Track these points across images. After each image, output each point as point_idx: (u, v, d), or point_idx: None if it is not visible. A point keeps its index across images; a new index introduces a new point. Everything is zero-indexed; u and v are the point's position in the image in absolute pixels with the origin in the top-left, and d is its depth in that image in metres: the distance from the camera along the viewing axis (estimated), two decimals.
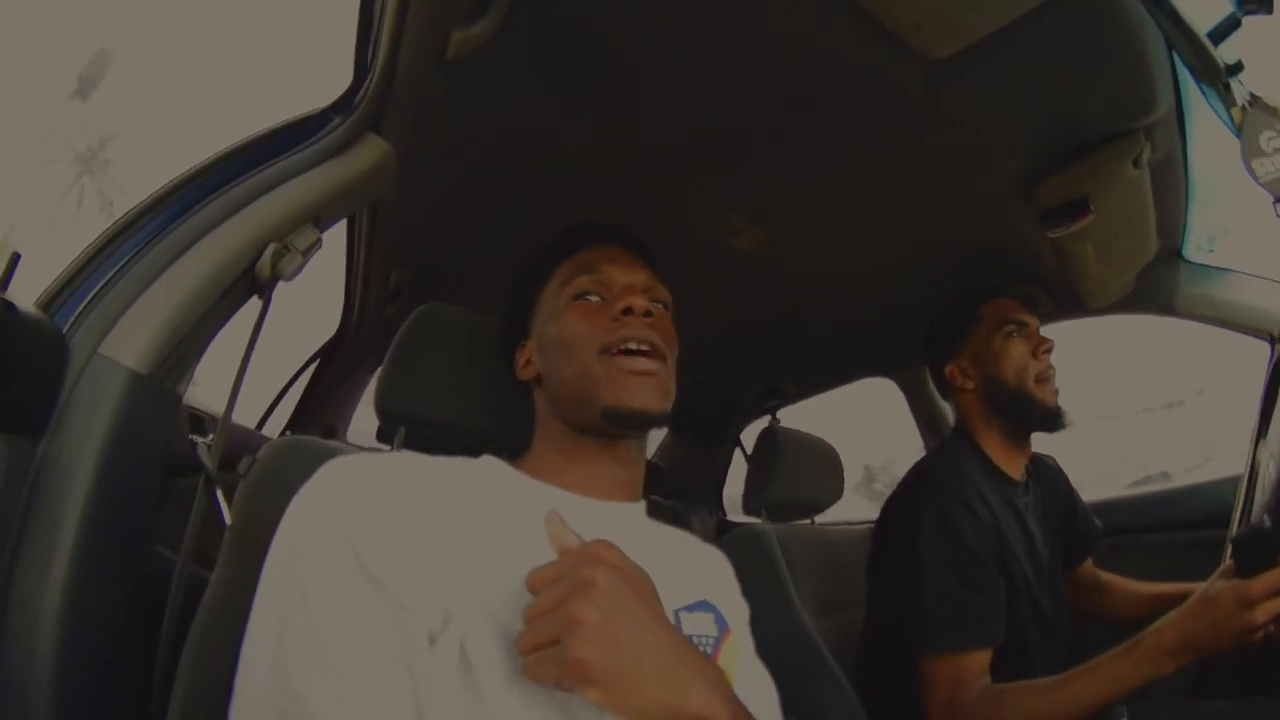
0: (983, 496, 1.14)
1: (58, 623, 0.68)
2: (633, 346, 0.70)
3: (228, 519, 0.79)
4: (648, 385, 0.69)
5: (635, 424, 0.70)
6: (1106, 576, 1.45)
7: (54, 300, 0.82)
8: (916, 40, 0.88)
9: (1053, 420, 1.21)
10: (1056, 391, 1.22)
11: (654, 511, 0.78)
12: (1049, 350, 1.23)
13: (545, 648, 0.47)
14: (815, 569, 1.32)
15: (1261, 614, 0.84)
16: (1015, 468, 1.26)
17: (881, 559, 1.25)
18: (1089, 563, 1.45)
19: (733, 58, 0.99)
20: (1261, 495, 0.93)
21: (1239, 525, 1.01)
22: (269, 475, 0.79)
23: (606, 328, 0.71)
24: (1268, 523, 0.86)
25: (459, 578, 0.54)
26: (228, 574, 0.76)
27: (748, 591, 0.82)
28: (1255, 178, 0.83)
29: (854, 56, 0.96)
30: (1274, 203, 0.85)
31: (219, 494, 0.87)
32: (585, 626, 0.46)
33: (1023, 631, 1.13)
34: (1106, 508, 1.71)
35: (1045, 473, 1.38)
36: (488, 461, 0.71)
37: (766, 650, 0.79)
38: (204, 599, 0.75)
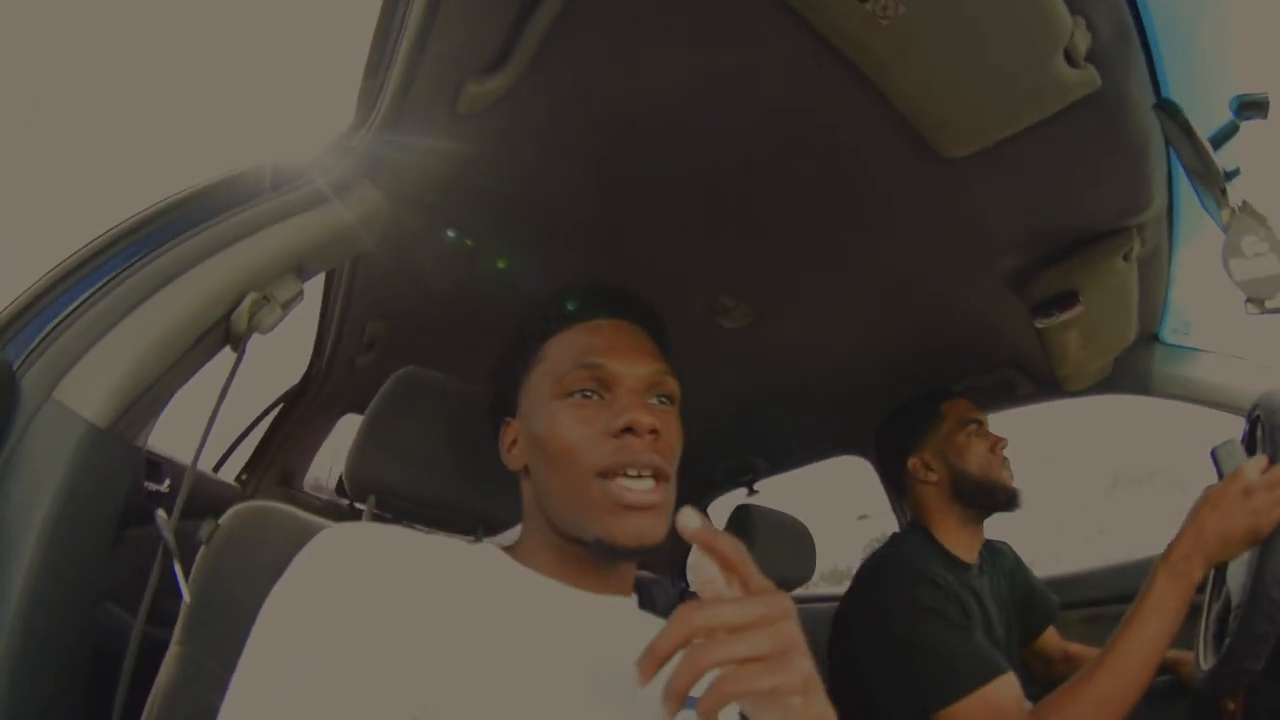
0: (942, 578, 1.17)
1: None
2: (633, 473, 0.62)
3: (185, 594, 0.73)
4: (645, 519, 0.62)
5: (629, 558, 0.65)
6: (1075, 648, 1.48)
7: (3, 333, 0.76)
8: (938, 139, 0.88)
9: (1014, 501, 1.30)
10: (1013, 475, 1.32)
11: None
12: (1004, 446, 1.34)
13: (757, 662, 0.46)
14: None
15: (1263, 495, 0.85)
16: (970, 552, 1.31)
17: (840, 653, 1.25)
18: (1056, 636, 1.49)
19: (753, 142, 0.97)
20: (1239, 567, 0.91)
21: (1212, 603, 0.99)
22: (232, 546, 0.75)
23: (605, 447, 0.63)
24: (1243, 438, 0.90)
25: (444, 670, 0.53)
26: (188, 650, 0.71)
27: None
28: (1231, 276, 0.89)
29: (871, 150, 0.95)
30: (1246, 301, 0.89)
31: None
32: (801, 645, 0.47)
33: None
34: (1077, 580, 1.75)
35: (998, 557, 1.43)
36: (486, 550, 0.67)
37: None
38: (161, 674, 0.70)
